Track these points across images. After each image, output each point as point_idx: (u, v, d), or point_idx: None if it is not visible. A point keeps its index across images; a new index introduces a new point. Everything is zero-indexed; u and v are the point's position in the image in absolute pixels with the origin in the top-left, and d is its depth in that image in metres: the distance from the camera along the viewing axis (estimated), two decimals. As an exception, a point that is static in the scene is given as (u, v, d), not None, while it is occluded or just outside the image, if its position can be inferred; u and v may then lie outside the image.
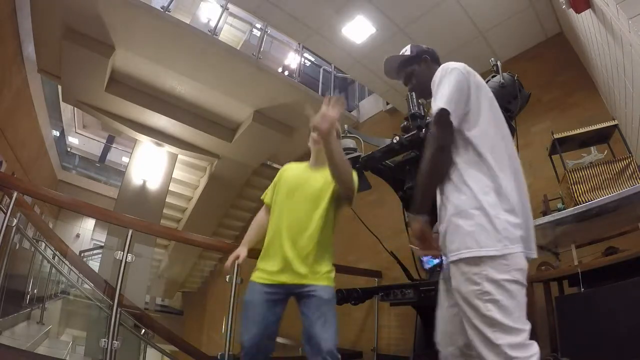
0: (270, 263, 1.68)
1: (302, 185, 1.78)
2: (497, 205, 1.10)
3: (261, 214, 1.94)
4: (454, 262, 1.11)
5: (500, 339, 1.00)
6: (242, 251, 1.82)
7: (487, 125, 1.21)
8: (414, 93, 1.46)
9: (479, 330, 1.03)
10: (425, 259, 1.32)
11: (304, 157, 6.23)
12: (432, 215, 1.33)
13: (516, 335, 1.02)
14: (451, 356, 1.21)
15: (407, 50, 1.48)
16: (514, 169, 1.20)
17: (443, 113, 1.16)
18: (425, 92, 1.39)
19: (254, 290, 1.68)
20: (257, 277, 1.71)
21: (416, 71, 1.41)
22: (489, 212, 1.09)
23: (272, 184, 1.93)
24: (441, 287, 1.28)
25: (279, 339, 1.86)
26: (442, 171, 1.20)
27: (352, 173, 1.65)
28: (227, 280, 2.81)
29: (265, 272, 1.68)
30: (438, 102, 1.18)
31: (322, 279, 1.66)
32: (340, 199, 1.72)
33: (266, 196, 1.92)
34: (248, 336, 1.61)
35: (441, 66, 1.28)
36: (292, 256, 1.64)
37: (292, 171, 1.91)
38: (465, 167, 1.17)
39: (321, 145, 1.69)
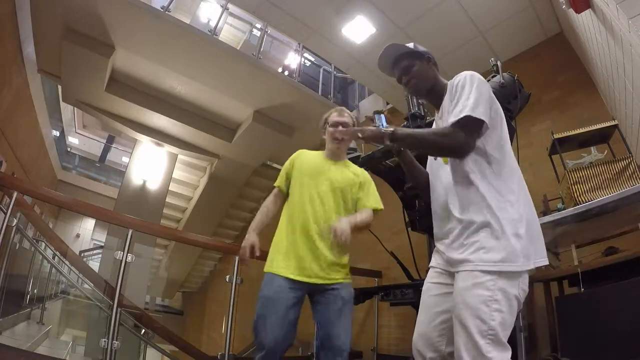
0: (297, 255, 1.59)
1: (324, 174, 1.71)
2: (516, 221, 1.11)
3: (271, 198, 1.82)
4: (470, 271, 1.09)
5: (492, 352, 1.00)
6: (255, 239, 1.65)
7: (503, 139, 1.22)
8: (408, 89, 1.40)
9: (473, 338, 1.02)
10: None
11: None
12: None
13: (505, 353, 1.03)
14: None
15: (410, 46, 1.43)
16: (523, 182, 1.21)
17: (474, 120, 1.14)
18: (420, 91, 1.37)
19: (276, 283, 1.55)
20: (280, 268, 1.58)
21: (416, 67, 1.35)
22: (507, 228, 1.09)
23: (284, 169, 1.83)
24: (431, 292, 1.26)
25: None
26: (436, 153, 1.27)
27: (371, 220, 1.67)
28: (227, 280, 2.81)
29: (291, 264, 1.58)
30: (471, 108, 1.14)
31: (345, 276, 1.65)
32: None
33: (280, 181, 1.81)
34: (272, 337, 1.48)
35: (467, 73, 1.25)
36: (321, 247, 1.58)
37: (308, 158, 1.82)
38: (483, 179, 1.16)
39: (342, 145, 1.78)
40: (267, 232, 1.76)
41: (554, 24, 3.66)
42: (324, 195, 1.67)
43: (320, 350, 1.55)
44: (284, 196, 1.80)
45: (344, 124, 1.77)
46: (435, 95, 1.36)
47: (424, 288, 1.30)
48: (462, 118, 1.14)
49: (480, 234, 1.11)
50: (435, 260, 1.31)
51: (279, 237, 1.70)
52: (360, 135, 1.26)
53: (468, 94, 1.17)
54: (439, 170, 1.32)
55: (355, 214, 1.65)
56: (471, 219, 1.14)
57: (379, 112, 1.39)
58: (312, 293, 1.61)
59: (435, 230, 1.32)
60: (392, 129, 1.21)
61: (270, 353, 1.48)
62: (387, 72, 1.43)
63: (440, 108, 1.34)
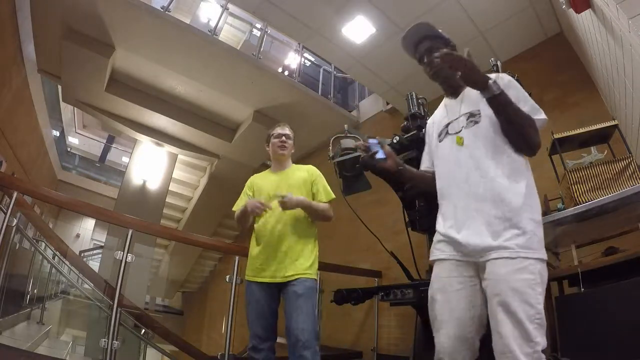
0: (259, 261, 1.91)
1: (274, 190, 1.96)
2: (540, 215, 1.18)
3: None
4: (508, 258, 1.08)
5: (538, 336, 1.01)
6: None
7: None
8: (431, 69, 1.37)
9: (520, 322, 1.00)
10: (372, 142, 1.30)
11: (303, 157, 6.26)
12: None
13: (544, 340, 1.03)
14: None
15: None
16: None
17: (543, 124, 1.22)
18: (440, 73, 1.35)
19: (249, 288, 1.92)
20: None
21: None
22: (539, 221, 1.16)
23: (243, 194, 2.12)
24: (452, 287, 1.18)
25: (279, 339, 1.87)
26: (519, 138, 1.21)
27: (328, 210, 1.99)
28: (227, 280, 2.81)
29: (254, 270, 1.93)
30: (538, 111, 1.22)
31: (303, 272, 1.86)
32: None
33: (237, 207, 2.07)
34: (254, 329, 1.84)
35: (504, 74, 1.35)
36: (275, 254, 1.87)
37: (260, 180, 2.11)
38: (522, 164, 1.22)
39: (286, 153, 2.06)
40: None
41: (554, 24, 3.66)
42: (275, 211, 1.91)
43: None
44: None
45: (286, 136, 2.05)
46: (451, 82, 1.37)
47: (440, 285, 1.21)
48: (541, 120, 1.21)
49: (522, 221, 1.12)
50: (446, 252, 1.23)
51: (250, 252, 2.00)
52: (462, 64, 1.15)
53: (526, 95, 1.26)
54: (457, 155, 1.28)
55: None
56: (512, 206, 1.14)
57: (373, 138, 1.40)
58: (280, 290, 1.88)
59: (449, 218, 1.25)
60: (497, 89, 1.15)
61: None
62: (410, 48, 1.43)
63: (461, 94, 1.35)
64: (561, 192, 2.44)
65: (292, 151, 2.11)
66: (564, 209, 2.17)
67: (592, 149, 2.43)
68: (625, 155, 2.21)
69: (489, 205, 1.15)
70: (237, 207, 2.04)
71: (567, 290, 2.36)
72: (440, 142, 1.38)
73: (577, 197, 2.13)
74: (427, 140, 1.52)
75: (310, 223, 1.98)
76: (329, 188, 2.05)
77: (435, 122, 1.46)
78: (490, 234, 1.12)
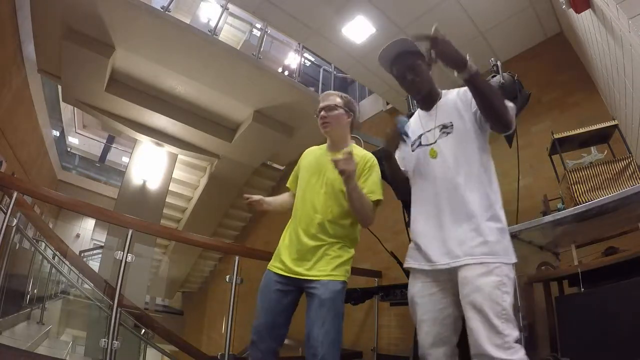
0: (286, 252, 1.62)
1: (319, 172, 1.68)
2: (504, 223, 1.28)
3: (287, 197, 1.86)
4: (476, 264, 1.19)
5: (507, 329, 1.11)
6: (263, 198, 1.78)
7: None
8: (410, 86, 1.42)
9: (488, 318, 1.11)
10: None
11: (304, 157, 5.98)
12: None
13: (515, 332, 1.12)
14: (444, 356, 1.26)
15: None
16: None
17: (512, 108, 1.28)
18: (421, 91, 1.43)
19: (266, 278, 1.64)
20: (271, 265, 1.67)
21: (421, 67, 1.39)
22: (504, 228, 1.26)
23: (294, 170, 1.86)
24: (427, 291, 1.30)
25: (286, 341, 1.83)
26: (491, 112, 1.26)
27: (371, 212, 1.56)
28: (227, 280, 2.81)
29: (279, 261, 1.63)
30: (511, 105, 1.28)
31: (326, 274, 1.53)
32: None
33: (290, 182, 1.87)
34: (257, 322, 1.57)
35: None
36: (302, 248, 1.58)
37: (310, 156, 1.81)
38: (491, 175, 1.32)
39: (330, 130, 1.69)
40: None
41: (554, 24, 3.66)
42: (313, 193, 1.65)
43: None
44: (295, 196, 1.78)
45: (327, 108, 1.68)
46: (430, 98, 1.44)
47: (416, 289, 1.34)
48: (513, 107, 1.27)
49: (485, 230, 1.22)
50: (417, 261, 1.34)
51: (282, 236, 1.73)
52: (436, 46, 1.19)
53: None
54: (428, 167, 1.37)
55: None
56: (477, 217, 1.23)
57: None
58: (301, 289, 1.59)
59: (419, 227, 1.35)
60: (475, 68, 1.22)
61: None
62: (386, 63, 1.43)
63: (434, 107, 1.42)
64: (561, 192, 2.44)
65: (349, 120, 1.73)
66: (564, 209, 2.17)
67: (592, 149, 2.43)
68: (625, 155, 2.20)
69: (455, 216, 1.25)
70: (290, 182, 1.86)
71: (567, 290, 2.36)
72: (412, 151, 1.45)
73: (577, 197, 2.13)
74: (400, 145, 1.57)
75: (349, 217, 1.62)
76: (379, 185, 1.62)
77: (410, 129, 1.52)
78: (457, 244, 1.23)
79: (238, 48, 5.98)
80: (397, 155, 1.52)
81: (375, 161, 1.68)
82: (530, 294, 2.39)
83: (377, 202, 1.59)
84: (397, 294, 2.71)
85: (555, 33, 3.74)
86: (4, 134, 5.36)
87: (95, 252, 10.18)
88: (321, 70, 6.65)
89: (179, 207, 8.49)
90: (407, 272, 1.43)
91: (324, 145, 1.79)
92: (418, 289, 1.33)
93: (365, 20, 3.93)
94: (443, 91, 1.47)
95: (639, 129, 2.23)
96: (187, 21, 5.63)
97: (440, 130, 1.36)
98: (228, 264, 2.98)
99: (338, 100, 1.72)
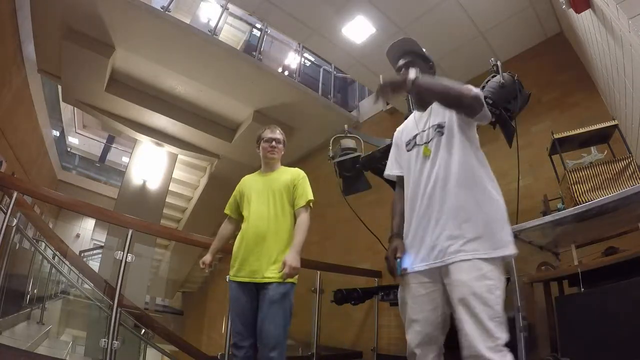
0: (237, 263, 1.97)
1: (261, 191, 2.03)
2: (504, 209, 1.27)
3: (224, 225, 2.23)
4: (469, 260, 1.19)
5: (498, 332, 1.11)
6: (206, 258, 2.18)
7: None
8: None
9: (481, 322, 1.11)
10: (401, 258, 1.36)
11: (303, 157, 6.24)
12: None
13: (505, 335, 1.13)
14: (431, 355, 1.27)
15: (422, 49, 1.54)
16: None
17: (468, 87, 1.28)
18: (420, 94, 1.43)
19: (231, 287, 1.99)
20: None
21: (419, 66, 1.44)
22: (502, 216, 1.26)
23: (232, 197, 2.19)
24: (417, 292, 1.31)
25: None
26: (455, 103, 1.29)
27: (305, 221, 1.96)
28: (227, 280, 2.80)
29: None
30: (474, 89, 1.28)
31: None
32: None
33: (229, 208, 2.19)
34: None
35: None
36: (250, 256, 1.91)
37: (250, 181, 2.16)
38: (482, 167, 1.32)
39: (277, 157, 2.10)
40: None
41: (554, 24, 3.66)
42: (266, 204, 1.98)
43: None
44: (235, 221, 2.17)
45: (276, 140, 2.08)
46: (424, 99, 1.48)
47: (407, 290, 1.36)
48: (480, 92, 1.27)
49: (479, 227, 1.22)
50: (408, 262, 1.35)
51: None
52: (381, 83, 1.29)
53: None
54: (421, 166, 1.39)
55: (294, 237, 1.91)
56: (470, 214, 1.24)
57: None
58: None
59: (412, 226, 1.35)
60: (415, 76, 1.25)
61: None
62: (393, 59, 1.54)
63: (429, 109, 1.46)
64: (561, 192, 2.45)
65: (282, 153, 2.15)
66: (564, 209, 2.17)
67: (592, 149, 2.43)
68: (625, 155, 2.21)
69: (448, 214, 1.26)
70: (228, 208, 2.19)
71: (567, 290, 2.36)
72: (408, 151, 1.47)
73: (577, 197, 2.13)
74: (394, 148, 1.60)
75: (291, 226, 1.99)
76: (308, 190, 2.04)
77: (404, 131, 1.56)
78: (450, 241, 1.23)
79: (238, 48, 5.98)
80: (391, 157, 1.58)
81: (304, 174, 2.10)
82: (530, 294, 2.39)
83: (309, 202, 1.99)
84: (397, 294, 2.70)
85: (555, 33, 3.74)
86: (4, 134, 5.36)
87: (95, 252, 10.19)
88: (321, 70, 6.65)
89: (179, 207, 8.49)
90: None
91: (258, 171, 2.18)
92: (409, 290, 1.34)
93: (365, 20, 3.93)
94: None
95: (639, 129, 2.23)
96: (187, 21, 5.62)
97: (435, 130, 1.39)
98: (228, 264, 2.98)
99: (283, 137, 2.15)
